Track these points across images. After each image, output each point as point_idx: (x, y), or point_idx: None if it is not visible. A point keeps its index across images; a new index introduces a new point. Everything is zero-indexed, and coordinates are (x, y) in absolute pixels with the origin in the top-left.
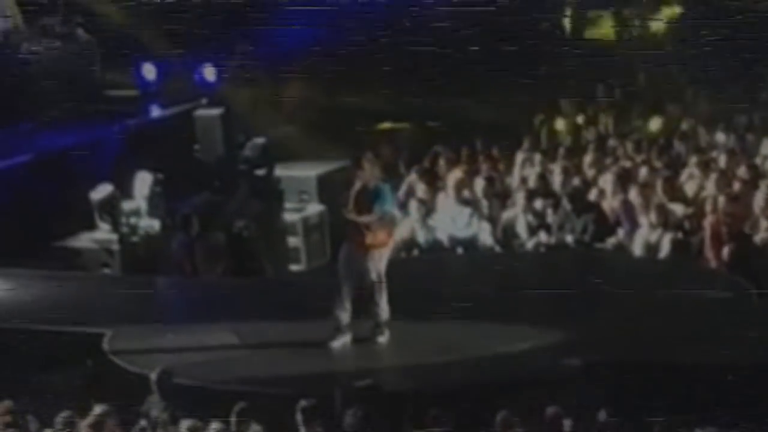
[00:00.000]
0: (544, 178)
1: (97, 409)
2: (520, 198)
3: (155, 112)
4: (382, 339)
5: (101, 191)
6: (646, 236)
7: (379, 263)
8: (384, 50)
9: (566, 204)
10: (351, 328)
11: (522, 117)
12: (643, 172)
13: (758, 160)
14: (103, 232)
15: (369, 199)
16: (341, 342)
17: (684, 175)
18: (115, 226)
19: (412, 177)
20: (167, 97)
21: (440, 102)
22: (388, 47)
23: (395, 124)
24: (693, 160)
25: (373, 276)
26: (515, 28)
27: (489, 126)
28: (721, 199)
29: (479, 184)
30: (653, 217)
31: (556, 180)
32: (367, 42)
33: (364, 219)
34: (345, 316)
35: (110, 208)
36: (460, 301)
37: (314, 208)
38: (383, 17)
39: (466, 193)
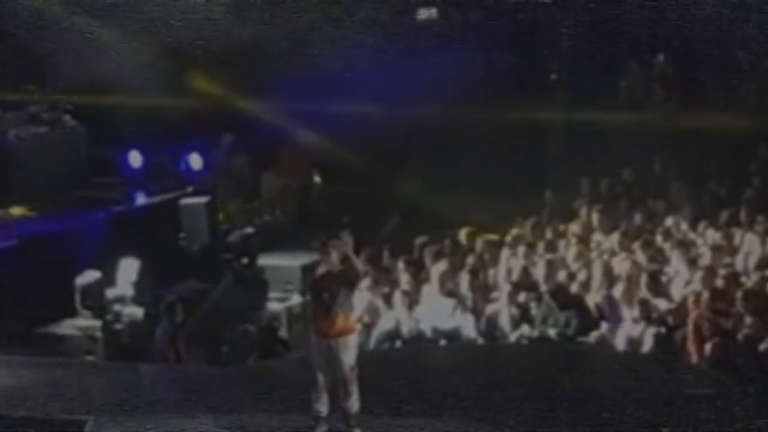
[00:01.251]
0: (527, 271)
1: None
2: (504, 291)
3: (141, 199)
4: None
5: (86, 277)
6: (629, 331)
7: (348, 352)
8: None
9: (549, 298)
10: (329, 420)
11: (507, 210)
12: (627, 266)
13: (741, 257)
14: (87, 319)
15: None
16: None
17: (668, 271)
18: (99, 313)
19: (399, 267)
20: (153, 184)
21: (429, 193)
22: (376, 139)
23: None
24: (676, 255)
25: (345, 366)
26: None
27: (474, 218)
28: (705, 295)
29: (464, 276)
30: (636, 311)
31: (540, 273)
32: (356, 133)
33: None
34: (322, 407)
35: (95, 295)
36: (439, 395)
37: (298, 298)
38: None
39: (450, 285)
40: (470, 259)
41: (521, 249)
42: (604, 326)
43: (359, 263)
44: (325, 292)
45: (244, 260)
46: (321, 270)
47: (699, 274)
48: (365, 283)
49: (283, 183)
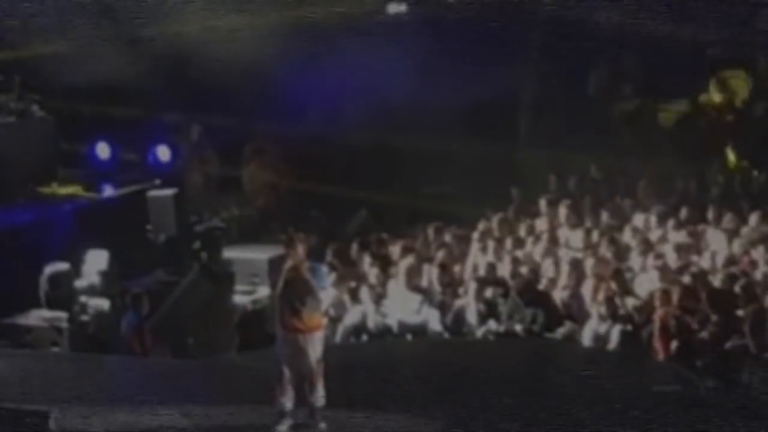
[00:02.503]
0: (493, 267)
1: None
2: (471, 286)
3: (108, 191)
4: (323, 426)
5: (53, 268)
6: (596, 327)
7: (314, 348)
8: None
9: (515, 294)
10: (294, 414)
11: (476, 205)
12: (593, 263)
13: (707, 254)
14: (53, 310)
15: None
16: (284, 427)
17: (633, 268)
18: (65, 305)
19: (366, 262)
20: (120, 176)
21: (398, 189)
22: (351, 135)
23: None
24: (641, 252)
25: (311, 360)
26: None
27: (444, 213)
28: (672, 293)
29: (432, 271)
30: (603, 308)
31: (506, 269)
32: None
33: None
34: (287, 401)
35: (62, 286)
36: (404, 389)
37: (264, 291)
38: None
39: (417, 280)
40: (438, 254)
41: (489, 244)
42: (569, 323)
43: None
44: (291, 287)
45: (203, 253)
46: (288, 264)
47: (665, 272)
48: (332, 277)
49: (264, 177)
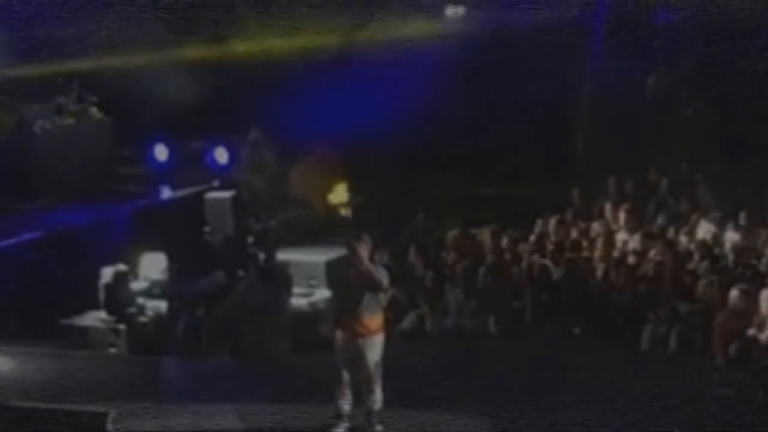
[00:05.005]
0: (548, 270)
1: None
2: (527, 289)
3: (166, 193)
4: (380, 428)
5: (111, 270)
6: (654, 331)
7: (373, 351)
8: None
9: (571, 298)
10: (351, 416)
11: (534, 207)
12: (651, 266)
13: (765, 259)
14: (110, 312)
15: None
16: (341, 429)
17: (692, 271)
18: (123, 306)
19: (422, 265)
20: (179, 178)
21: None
22: (404, 138)
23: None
24: (700, 255)
25: (370, 363)
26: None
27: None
28: (734, 294)
29: (487, 273)
30: (661, 311)
31: (558, 272)
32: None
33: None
34: (345, 403)
35: (119, 288)
36: (461, 391)
37: (322, 294)
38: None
39: (473, 283)
40: (494, 257)
41: (549, 247)
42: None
43: (377, 274)
44: (352, 289)
45: (262, 255)
46: (348, 269)
47: (723, 275)
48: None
49: (313, 180)
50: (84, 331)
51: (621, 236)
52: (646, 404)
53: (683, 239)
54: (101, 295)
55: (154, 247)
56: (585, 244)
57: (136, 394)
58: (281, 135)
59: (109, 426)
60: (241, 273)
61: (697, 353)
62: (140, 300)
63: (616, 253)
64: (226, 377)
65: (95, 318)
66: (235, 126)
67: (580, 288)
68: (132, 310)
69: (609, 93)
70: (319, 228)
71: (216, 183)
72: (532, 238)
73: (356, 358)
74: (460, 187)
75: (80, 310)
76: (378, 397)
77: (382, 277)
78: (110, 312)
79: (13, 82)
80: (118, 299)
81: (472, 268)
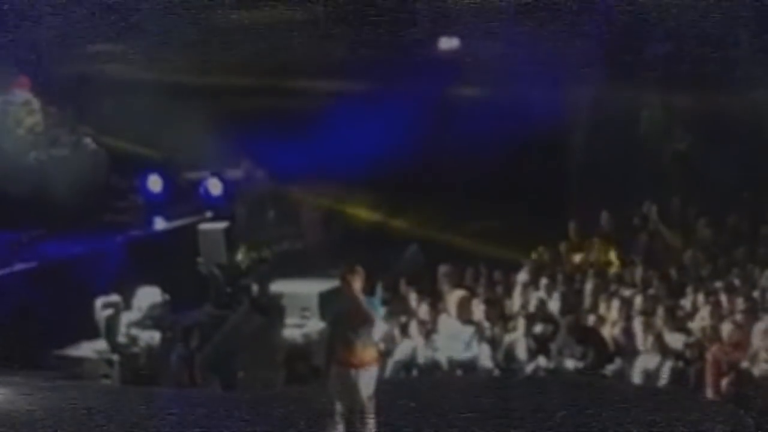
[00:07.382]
0: (543, 303)
1: None
2: (520, 322)
3: (160, 224)
4: None
5: (106, 301)
6: (646, 364)
7: (366, 382)
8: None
9: (565, 330)
10: None
11: (525, 241)
12: (640, 300)
13: (758, 293)
14: (105, 343)
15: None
16: None
17: (685, 305)
18: (115, 337)
19: (413, 296)
20: (172, 209)
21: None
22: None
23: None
24: (693, 289)
25: (363, 396)
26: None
27: (493, 249)
28: (726, 328)
29: (480, 306)
30: (653, 344)
31: (555, 306)
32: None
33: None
34: None
35: (113, 319)
36: (454, 425)
37: (315, 325)
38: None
39: (467, 316)
40: (487, 290)
41: (543, 281)
42: (619, 360)
43: (368, 308)
44: (346, 321)
45: (255, 286)
46: (342, 300)
47: (716, 309)
48: (383, 311)
49: (305, 212)
50: (78, 361)
51: (614, 269)
52: None
53: (676, 273)
54: (101, 327)
55: (147, 277)
56: (578, 276)
57: (129, 425)
58: (274, 166)
59: None
60: (234, 304)
61: (689, 387)
62: (133, 331)
63: (610, 287)
64: (219, 409)
65: (89, 348)
66: (228, 158)
67: (574, 321)
68: (125, 341)
69: (603, 126)
70: (313, 259)
71: (209, 214)
72: (525, 270)
73: (349, 390)
74: (453, 218)
75: (74, 341)
76: (371, 429)
77: (372, 311)
78: (111, 344)
79: None
80: (117, 331)
81: (467, 300)
